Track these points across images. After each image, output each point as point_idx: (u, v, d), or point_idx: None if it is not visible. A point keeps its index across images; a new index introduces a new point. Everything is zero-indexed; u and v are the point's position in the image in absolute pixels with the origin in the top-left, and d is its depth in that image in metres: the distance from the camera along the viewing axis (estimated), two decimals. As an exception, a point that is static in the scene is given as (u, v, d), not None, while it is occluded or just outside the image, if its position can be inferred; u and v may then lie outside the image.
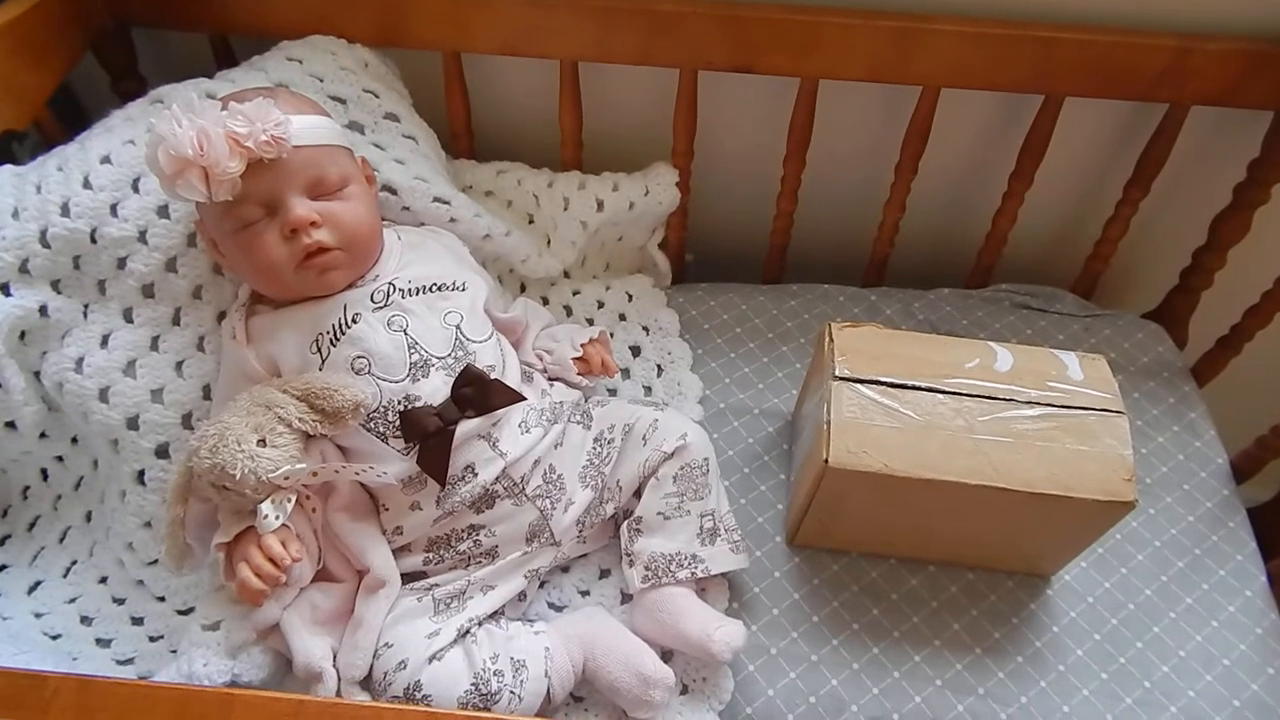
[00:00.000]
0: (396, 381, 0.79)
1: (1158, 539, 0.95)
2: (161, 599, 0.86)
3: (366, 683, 0.78)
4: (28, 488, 0.92)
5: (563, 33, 1.00)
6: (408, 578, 0.82)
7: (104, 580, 0.88)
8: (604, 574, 0.91)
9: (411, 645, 0.76)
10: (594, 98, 1.10)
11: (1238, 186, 1.06)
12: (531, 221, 1.10)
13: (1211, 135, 1.08)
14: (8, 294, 0.81)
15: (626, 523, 0.87)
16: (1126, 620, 0.90)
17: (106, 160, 0.85)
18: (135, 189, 0.84)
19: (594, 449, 0.90)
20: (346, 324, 0.80)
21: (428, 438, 0.79)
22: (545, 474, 0.85)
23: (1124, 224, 1.12)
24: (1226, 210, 1.08)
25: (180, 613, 0.86)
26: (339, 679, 0.76)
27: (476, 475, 0.81)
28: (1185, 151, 1.05)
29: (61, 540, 0.91)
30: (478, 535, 0.82)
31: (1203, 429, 1.05)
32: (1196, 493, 0.99)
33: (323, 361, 0.80)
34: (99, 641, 0.84)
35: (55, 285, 0.84)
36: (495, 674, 0.76)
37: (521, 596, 0.86)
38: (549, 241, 1.09)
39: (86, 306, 0.85)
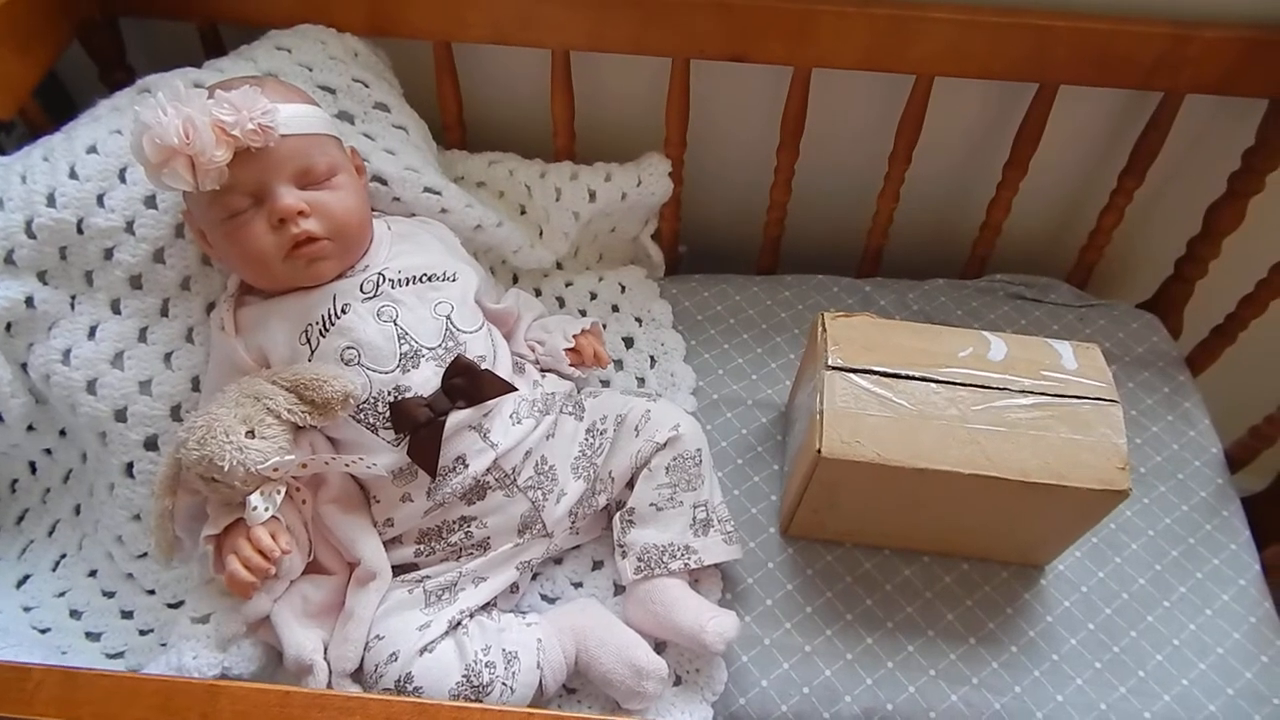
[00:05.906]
0: (386, 372, 0.79)
1: (1151, 528, 0.95)
2: (151, 592, 0.86)
3: (358, 675, 0.77)
4: (16, 481, 0.92)
5: (555, 22, 0.99)
6: (399, 570, 0.82)
7: (93, 573, 0.87)
8: (596, 565, 0.90)
9: (403, 637, 0.76)
10: (586, 87, 1.09)
11: (1232, 175, 1.05)
12: (524, 212, 1.10)
13: (1206, 124, 1.07)
14: (-7, 285, 0.81)
15: (619, 514, 0.87)
16: (1120, 609, 0.90)
17: (93, 150, 0.84)
18: (122, 179, 0.84)
19: (586, 440, 0.89)
20: (336, 314, 0.80)
21: (418, 429, 0.78)
22: (537, 465, 0.84)
23: (1119, 213, 1.12)
24: (1221, 199, 1.07)
25: (170, 606, 0.85)
26: (330, 671, 0.76)
27: (467, 466, 0.80)
28: (1180, 140, 1.05)
29: (50, 533, 0.90)
30: (469, 527, 0.82)
31: (1197, 418, 1.05)
32: (1191, 482, 0.99)
33: (312, 352, 0.79)
34: (89, 635, 0.84)
35: (41, 276, 0.83)
36: (487, 666, 0.76)
37: (514, 588, 0.86)
38: (541, 232, 1.09)
39: (74, 298, 0.84)
